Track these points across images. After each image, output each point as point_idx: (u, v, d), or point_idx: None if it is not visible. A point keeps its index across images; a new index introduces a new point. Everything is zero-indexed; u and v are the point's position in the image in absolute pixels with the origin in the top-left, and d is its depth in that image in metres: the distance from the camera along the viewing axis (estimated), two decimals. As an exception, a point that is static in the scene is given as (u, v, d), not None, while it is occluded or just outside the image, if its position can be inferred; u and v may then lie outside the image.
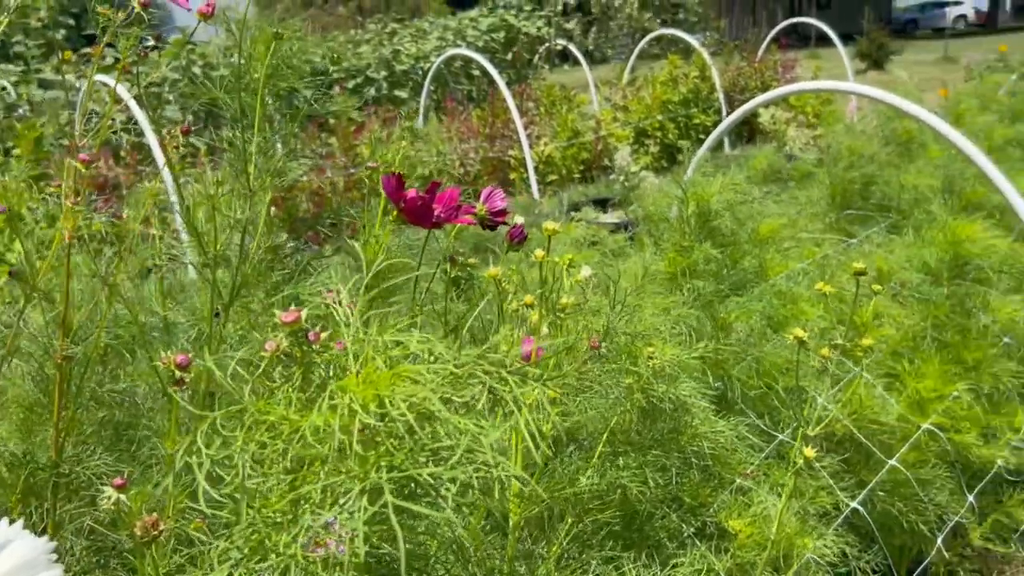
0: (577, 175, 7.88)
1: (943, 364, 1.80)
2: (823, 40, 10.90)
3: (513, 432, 0.78)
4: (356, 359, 0.58)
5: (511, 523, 0.75)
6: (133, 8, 0.96)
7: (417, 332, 0.59)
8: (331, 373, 0.60)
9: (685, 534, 1.39)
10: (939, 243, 1.81)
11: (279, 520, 0.57)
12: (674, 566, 1.26)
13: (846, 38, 18.68)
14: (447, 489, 0.52)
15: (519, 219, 1.02)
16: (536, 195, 7.11)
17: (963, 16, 39.68)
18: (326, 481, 0.53)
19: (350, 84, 9.50)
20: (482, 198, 0.82)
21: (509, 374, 0.60)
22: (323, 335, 0.58)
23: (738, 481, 1.48)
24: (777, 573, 1.40)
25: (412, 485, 0.59)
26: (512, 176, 7.42)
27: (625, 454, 1.23)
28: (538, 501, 0.74)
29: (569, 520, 0.79)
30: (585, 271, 1.08)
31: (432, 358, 0.60)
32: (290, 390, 0.57)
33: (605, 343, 1.17)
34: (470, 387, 0.59)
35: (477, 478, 0.57)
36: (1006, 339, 2.00)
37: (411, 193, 0.74)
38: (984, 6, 39.57)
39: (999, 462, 1.90)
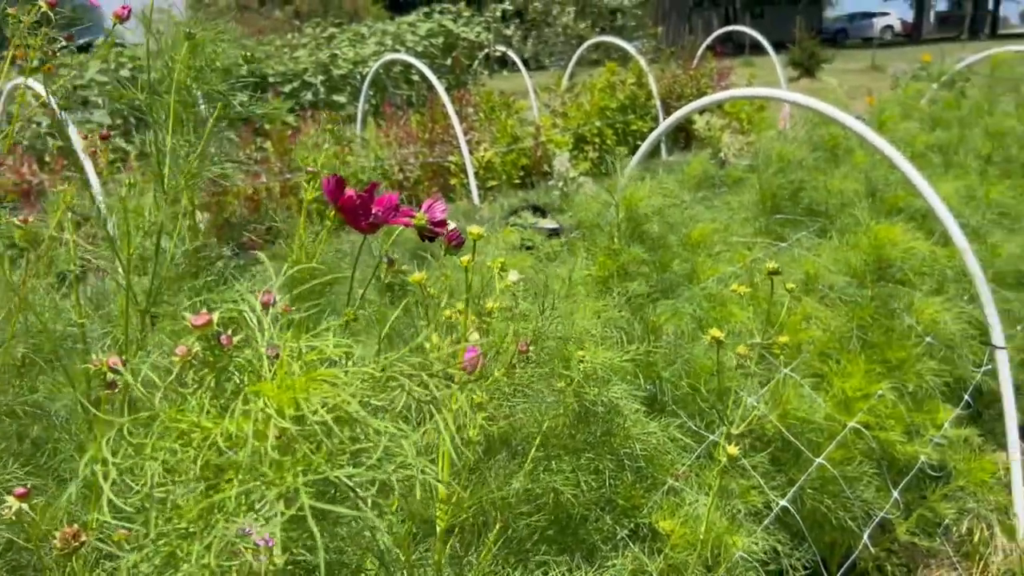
0: (517, 180, 7.91)
1: (868, 364, 1.85)
2: (757, 48, 11.14)
3: (440, 436, 0.78)
4: (271, 363, 0.57)
5: (439, 529, 0.74)
6: (55, 10, 0.93)
7: (333, 335, 0.58)
8: (246, 379, 0.59)
9: (619, 536, 1.41)
10: (863, 246, 1.86)
11: (192, 530, 0.55)
12: (607, 569, 1.26)
13: (779, 47, 19.12)
14: (366, 491, 0.52)
15: (452, 224, 1.02)
16: (476, 200, 7.12)
17: (890, 27, 41.05)
18: (240, 488, 0.52)
19: (286, 88, 9.37)
20: (423, 207, 0.81)
21: (431, 377, 0.59)
22: (236, 339, 0.56)
23: (670, 482, 1.50)
24: (709, 572, 1.42)
25: (333, 491, 0.59)
26: (452, 181, 7.41)
27: (559, 458, 1.23)
28: (466, 507, 0.73)
29: (498, 525, 0.79)
30: (513, 276, 1.09)
31: (351, 362, 0.59)
32: (203, 396, 0.56)
33: (535, 347, 1.18)
34: (390, 391, 0.58)
35: (398, 480, 0.56)
36: (928, 339, 2.07)
37: (349, 193, 0.73)
38: (909, 17, 40.96)
39: (922, 458, 1.96)
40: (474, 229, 0.84)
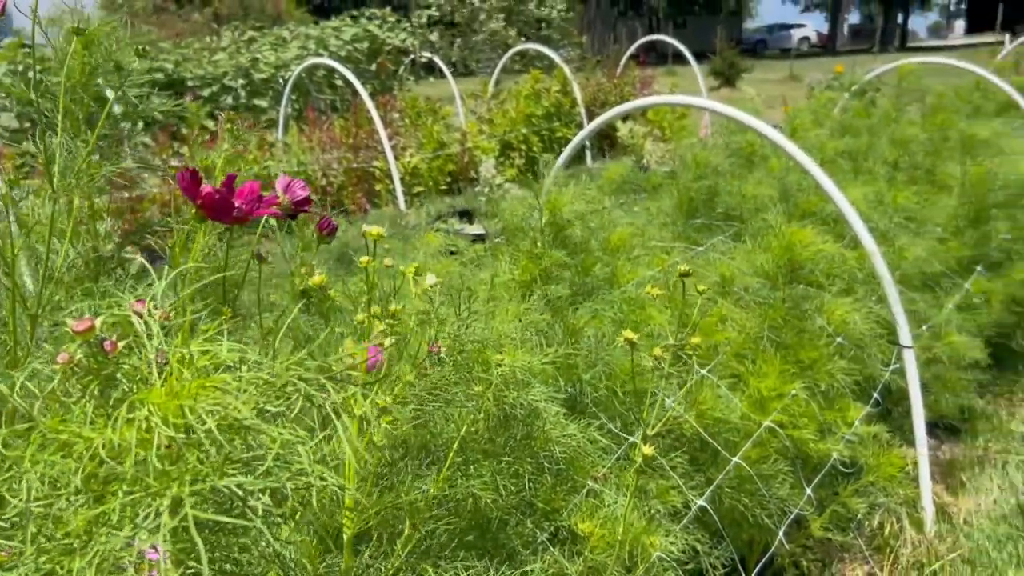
0: (444, 186, 7.89)
1: (782, 364, 1.89)
2: (680, 58, 11.37)
3: (349, 442, 0.76)
4: (160, 370, 0.54)
5: (345, 537, 0.73)
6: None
7: (227, 340, 0.56)
8: (135, 387, 0.57)
9: (539, 539, 1.40)
10: (774, 249, 1.90)
11: (75, 545, 0.53)
12: (526, 573, 1.26)
13: (701, 57, 19.56)
14: (257, 499, 0.50)
15: (373, 228, 1.01)
16: (402, 206, 7.07)
17: (807, 38, 42.47)
18: (123, 500, 0.50)
19: (205, 92, 9.16)
20: (282, 188, 0.79)
21: (329, 381, 0.58)
22: (122, 345, 0.54)
23: (590, 484, 1.51)
24: (628, 573, 1.43)
25: (231, 502, 0.57)
26: (378, 187, 7.34)
27: (477, 462, 1.23)
28: (372, 514, 0.72)
29: (407, 532, 0.78)
30: (430, 279, 1.08)
31: (246, 367, 0.58)
32: (86, 405, 0.53)
33: (452, 351, 1.17)
34: (285, 396, 0.56)
35: (295, 489, 0.55)
36: (839, 339, 2.13)
37: (207, 188, 0.70)
38: (825, 29, 42.42)
39: (834, 455, 2.01)
40: (373, 229, 0.83)
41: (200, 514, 0.47)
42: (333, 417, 0.57)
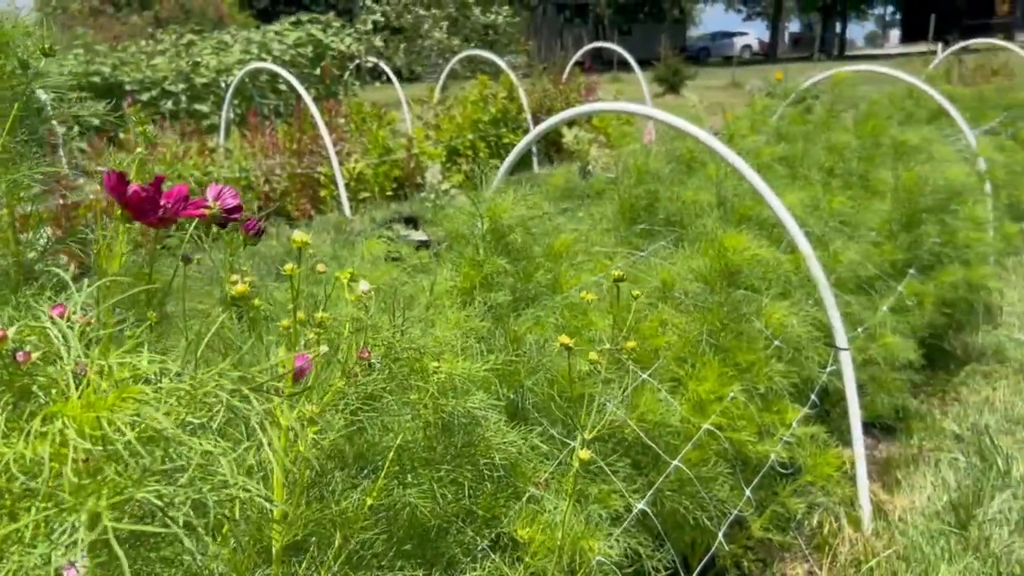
0: (390, 192, 7.85)
1: (720, 367, 1.92)
2: (626, 65, 11.50)
3: (274, 453, 0.75)
4: (79, 382, 0.53)
5: (274, 549, 0.72)
6: None
7: (147, 351, 0.55)
8: (52, 398, 0.55)
9: (480, 547, 1.40)
10: (711, 254, 1.94)
11: (-13, 564, 0.51)
12: (466, 579, 1.26)
13: (646, 64, 19.79)
14: (179, 511, 0.49)
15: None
16: (348, 212, 7.01)
17: (749, 46, 43.38)
18: (37, 515, 0.49)
19: (144, 97, 8.97)
20: (213, 195, 0.78)
21: (252, 391, 0.57)
22: (35, 356, 0.53)
23: (532, 490, 1.51)
24: (570, 576, 1.43)
25: (153, 516, 0.56)
26: (322, 193, 7.28)
27: (415, 471, 1.22)
28: (300, 525, 0.71)
29: (337, 543, 0.77)
30: (363, 285, 1.07)
31: (168, 378, 0.57)
32: (-2, 419, 0.52)
33: (387, 358, 1.16)
34: (207, 407, 0.56)
35: (216, 500, 0.54)
36: (777, 342, 2.17)
37: (133, 188, 0.69)
38: (767, 37, 43.38)
39: (773, 456, 2.05)
40: (297, 236, 0.82)
41: (119, 526, 0.46)
42: (256, 428, 0.56)
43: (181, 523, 0.48)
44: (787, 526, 2.46)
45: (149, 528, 0.48)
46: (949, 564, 2.32)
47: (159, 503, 0.49)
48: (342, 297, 1.12)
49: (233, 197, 0.79)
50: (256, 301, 0.81)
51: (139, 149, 0.82)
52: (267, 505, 0.62)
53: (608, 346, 1.24)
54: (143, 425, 0.50)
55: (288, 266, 0.78)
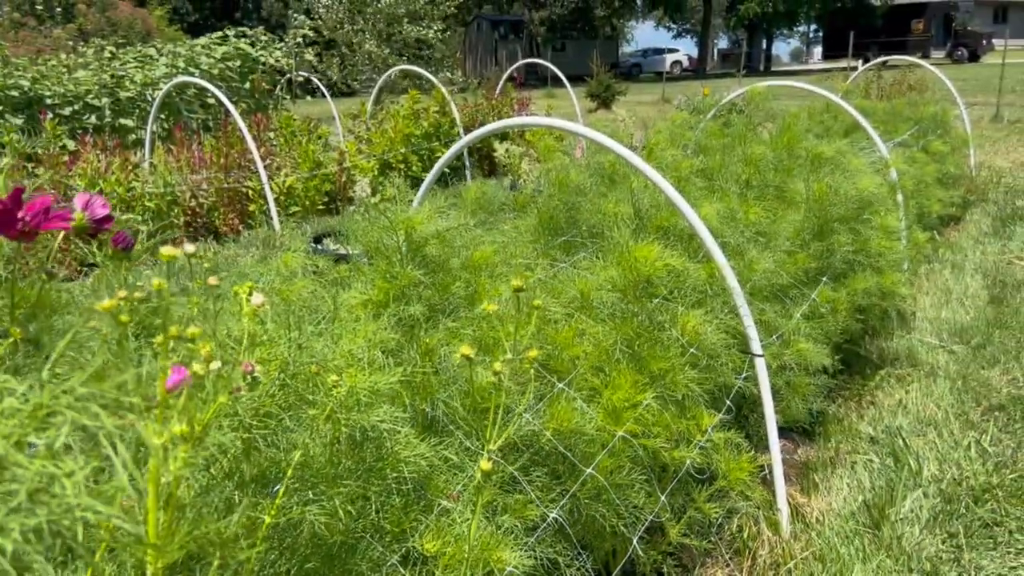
0: (321, 206, 7.77)
1: (634, 375, 1.94)
2: (560, 81, 11.61)
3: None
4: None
5: (149, 572, 0.70)
6: None
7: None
8: None
9: (390, 562, 1.39)
10: (623, 265, 1.96)
11: None
12: (373, 595, 1.24)
13: (579, 79, 20.01)
14: (6, 536, 0.47)
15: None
16: (277, 227, 6.92)
17: (679, 62, 44.32)
18: None
19: (66, 111, 8.72)
20: (80, 204, 0.77)
21: (103, 408, 0.56)
22: None
23: (443, 503, 1.51)
24: (484, 589, 1.43)
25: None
26: (251, 208, 7.17)
27: (316, 487, 1.20)
28: (174, 548, 0.69)
29: (215, 564, 0.75)
30: (256, 299, 1.06)
31: (12, 397, 0.55)
32: None
33: (284, 374, 1.15)
34: (52, 426, 0.54)
35: (64, 523, 0.52)
36: (692, 350, 2.20)
37: None
38: (696, 54, 44.39)
39: (688, 462, 2.08)
40: (166, 251, 0.81)
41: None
42: (106, 445, 0.55)
43: (8, 551, 0.47)
44: (708, 531, 2.50)
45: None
46: (864, 563, 2.39)
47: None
48: (242, 312, 1.11)
49: (103, 207, 0.77)
50: (124, 317, 0.79)
51: (6, 159, 0.79)
52: (125, 527, 0.61)
53: (510, 356, 1.24)
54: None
55: (156, 281, 0.76)
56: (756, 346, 2.43)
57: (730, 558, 2.48)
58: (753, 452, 2.33)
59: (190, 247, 1.04)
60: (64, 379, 0.59)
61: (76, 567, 0.82)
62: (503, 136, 8.88)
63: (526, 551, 1.54)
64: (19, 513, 0.49)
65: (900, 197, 3.97)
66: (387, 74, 10.07)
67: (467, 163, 8.90)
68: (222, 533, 0.74)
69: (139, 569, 0.75)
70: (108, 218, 0.77)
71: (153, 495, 0.70)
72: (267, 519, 1.08)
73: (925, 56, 34.14)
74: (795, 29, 50.11)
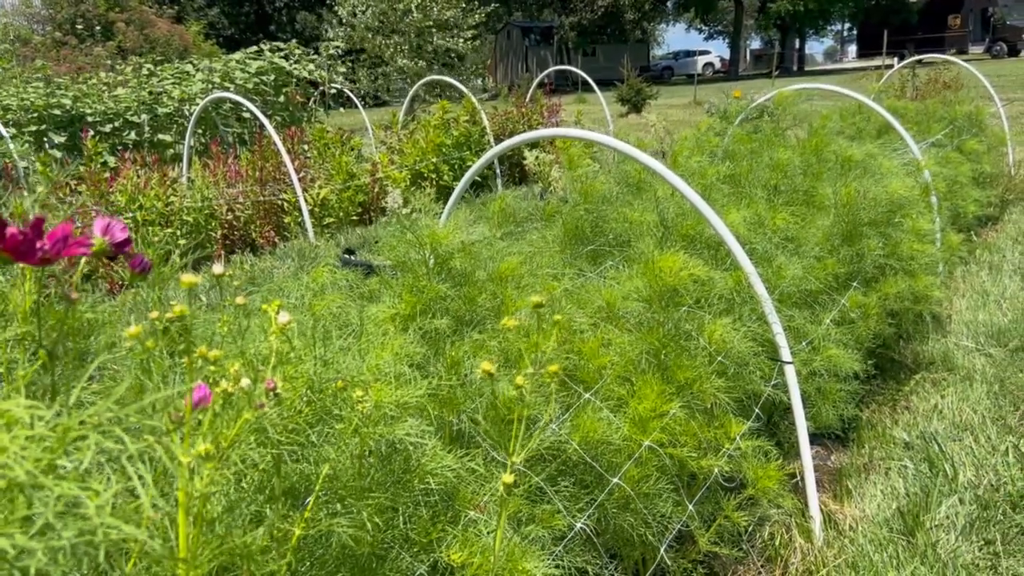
0: (355, 217, 7.86)
1: (661, 385, 1.95)
2: (590, 85, 11.63)
3: (180, 492, 0.77)
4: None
5: (178, 584, 0.73)
6: None
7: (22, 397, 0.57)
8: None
9: (418, 572, 1.42)
10: (648, 275, 1.97)
11: None
12: (401, 606, 1.27)
13: (610, 84, 19.96)
14: (30, 558, 0.51)
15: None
16: (312, 238, 7.01)
17: (711, 64, 44.08)
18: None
19: (107, 128, 8.93)
20: (100, 230, 0.80)
21: (125, 432, 0.59)
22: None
23: (471, 514, 1.53)
24: (511, 600, 1.45)
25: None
26: (287, 220, 7.27)
27: (344, 500, 1.23)
28: (205, 562, 0.73)
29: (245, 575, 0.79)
30: (283, 317, 1.09)
31: (43, 423, 0.58)
32: None
33: (311, 389, 1.18)
34: (77, 450, 0.57)
35: (78, 543, 0.55)
36: (720, 358, 2.21)
37: (11, 231, 0.71)
38: (728, 55, 44.09)
39: (716, 471, 2.08)
40: (186, 278, 0.84)
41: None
42: (127, 466, 0.58)
43: (32, 572, 0.50)
44: (738, 540, 2.49)
45: None
46: (897, 571, 2.36)
47: (11, 551, 0.50)
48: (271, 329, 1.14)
49: (122, 231, 0.81)
50: (150, 343, 0.82)
51: (40, 188, 0.83)
52: (152, 544, 0.64)
53: (531, 370, 1.26)
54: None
55: (177, 307, 0.79)
56: (786, 353, 2.42)
57: (761, 566, 2.47)
58: (784, 459, 2.32)
59: (218, 268, 1.08)
60: (91, 403, 0.62)
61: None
62: (533, 144, 8.90)
63: (554, 560, 1.56)
64: (44, 535, 0.52)
65: (933, 198, 3.92)
66: (418, 84, 10.16)
67: (498, 171, 8.94)
68: (250, 546, 0.77)
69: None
70: (127, 241, 0.81)
71: (183, 511, 0.74)
72: (296, 531, 1.11)
73: (962, 52, 33.56)
74: (828, 28, 49.54)
